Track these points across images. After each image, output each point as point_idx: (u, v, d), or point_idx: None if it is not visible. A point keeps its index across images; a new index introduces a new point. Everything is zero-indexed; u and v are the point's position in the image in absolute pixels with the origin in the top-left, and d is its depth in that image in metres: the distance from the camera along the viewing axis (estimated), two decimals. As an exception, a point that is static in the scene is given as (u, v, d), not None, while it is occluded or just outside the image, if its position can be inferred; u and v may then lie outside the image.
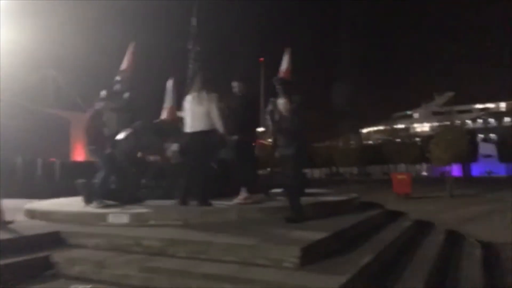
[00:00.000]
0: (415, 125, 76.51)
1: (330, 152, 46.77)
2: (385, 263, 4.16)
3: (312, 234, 3.98)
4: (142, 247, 4.11)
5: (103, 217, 5.13)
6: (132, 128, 6.55)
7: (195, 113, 5.69)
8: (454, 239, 6.66)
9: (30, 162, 21.99)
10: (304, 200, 6.29)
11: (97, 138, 6.15)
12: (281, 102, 5.43)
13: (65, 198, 7.30)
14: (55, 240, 4.51)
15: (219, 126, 5.63)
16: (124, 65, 8.35)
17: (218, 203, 5.74)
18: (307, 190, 8.06)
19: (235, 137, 5.87)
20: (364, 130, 73.25)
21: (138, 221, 5.00)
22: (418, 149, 32.23)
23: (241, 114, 5.87)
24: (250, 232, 4.19)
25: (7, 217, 5.86)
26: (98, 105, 6.35)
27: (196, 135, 5.63)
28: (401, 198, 17.63)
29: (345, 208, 6.20)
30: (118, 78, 7.73)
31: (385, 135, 37.59)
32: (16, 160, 21.40)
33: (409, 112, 79.93)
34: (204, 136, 5.56)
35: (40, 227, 5.00)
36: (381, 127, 46.08)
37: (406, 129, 70.98)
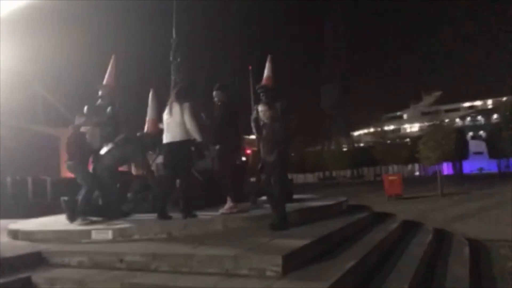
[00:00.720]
0: (405, 125, 77.24)
1: (322, 156, 46.88)
2: (371, 266, 4.15)
3: (294, 241, 3.96)
4: (125, 263, 4.05)
5: (86, 234, 5.05)
6: (114, 142, 6.50)
7: (168, 124, 5.69)
8: (442, 237, 6.68)
9: (20, 181, 21.75)
10: (290, 206, 6.29)
11: (76, 153, 6.11)
12: (261, 110, 5.42)
13: (52, 216, 7.19)
14: (37, 260, 4.43)
15: (195, 135, 5.61)
16: (106, 79, 8.32)
17: (204, 214, 5.70)
18: (294, 196, 8.08)
19: (216, 147, 5.85)
20: (356, 133, 73.66)
21: (121, 236, 4.94)
22: (408, 150, 32.46)
23: (221, 123, 5.85)
24: (233, 242, 4.16)
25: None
26: (78, 120, 6.31)
27: (170, 146, 5.63)
28: (393, 199, 17.69)
29: (332, 213, 6.20)
30: (100, 92, 7.68)
31: (375, 137, 37.77)
32: (5, 180, 21.17)
33: (398, 113, 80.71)
34: (177, 147, 5.55)
35: (22, 247, 4.91)
36: (371, 129, 46.32)
37: (396, 130, 71.62)
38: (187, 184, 5.67)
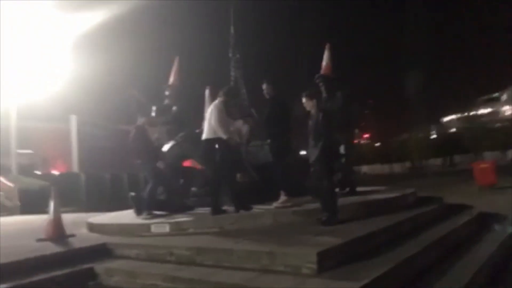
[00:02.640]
0: (504, 108, 69.53)
1: (409, 145, 44.19)
2: (425, 265, 3.84)
3: (337, 238, 3.81)
4: (174, 256, 4.25)
5: (147, 227, 5.38)
6: (175, 139, 6.81)
7: (206, 122, 5.85)
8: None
9: (117, 177, 23.81)
10: (349, 199, 6.09)
11: (142, 153, 6.47)
12: (303, 102, 5.25)
13: (125, 210, 7.79)
14: (102, 251, 4.83)
15: (220, 132, 5.69)
16: (170, 79, 8.73)
17: (259, 208, 5.75)
18: (361, 189, 7.76)
19: (268, 141, 5.83)
20: (447, 118, 68.20)
21: (178, 230, 5.18)
22: (506, 134, 29.14)
23: (270, 118, 5.80)
24: (277, 237, 4.13)
25: (73, 230, 6.45)
26: (140, 121, 6.68)
27: (204, 143, 5.78)
28: (485, 189, 16.09)
29: (395, 206, 5.83)
30: (166, 92, 8.08)
31: (466, 122, 34.49)
32: (104, 176, 23.42)
33: (495, 95, 72.88)
34: (209, 144, 5.65)
35: (92, 239, 5.40)
36: (464, 114, 42.41)
37: (494, 113, 64.84)
38: (229, 179, 5.75)
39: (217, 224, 5.07)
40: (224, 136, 5.69)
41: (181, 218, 5.50)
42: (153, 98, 8.43)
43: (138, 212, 6.32)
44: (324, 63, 8.12)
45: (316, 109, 5.05)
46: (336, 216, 4.75)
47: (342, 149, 7.61)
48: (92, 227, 6.23)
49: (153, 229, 5.31)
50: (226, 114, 5.80)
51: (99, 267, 4.33)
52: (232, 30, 8.70)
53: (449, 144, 40.35)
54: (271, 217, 5.11)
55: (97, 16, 16.74)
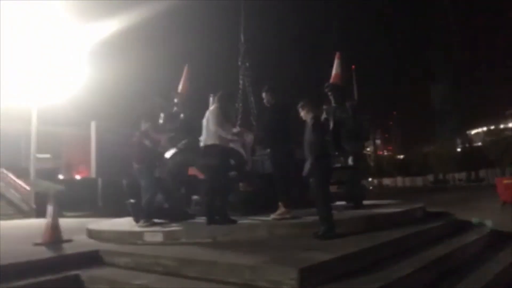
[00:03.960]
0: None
1: (432, 158, 43.18)
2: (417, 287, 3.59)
3: (326, 254, 3.61)
4: (161, 267, 4.12)
5: (141, 236, 5.29)
6: (177, 147, 6.74)
7: (204, 128, 5.78)
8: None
9: (134, 183, 24.04)
10: (353, 213, 5.86)
11: (144, 159, 6.42)
12: (301, 113, 5.05)
13: (127, 217, 7.75)
14: (92, 258, 4.74)
15: (222, 134, 5.61)
16: (180, 87, 8.72)
17: (256, 219, 5.59)
18: (369, 202, 7.50)
19: (267, 151, 5.68)
20: (473, 131, 66.46)
21: (170, 239, 5.07)
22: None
23: (270, 126, 5.66)
24: (265, 251, 3.95)
25: (74, 236, 6.43)
26: (144, 126, 6.64)
27: (204, 150, 5.66)
28: (509, 205, 15.39)
29: (400, 221, 5.57)
30: (175, 100, 8.06)
31: (492, 136, 33.40)
32: (121, 182, 23.66)
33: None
34: (208, 150, 5.52)
35: (87, 245, 5.34)
36: (491, 127, 41.16)
37: (523, 127, 62.69)
38: (220, 189, 5.60)
39: (210, 235, 4.94)
40: (227, 136, 5.59)
41: (175, 227, 5.40)
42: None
43: (137, 220, 6.25)
44: (334, 72, 7.96)
45: (310, 118, 4.85)
46: (332, 230, 4.53)
47: (350, 161, 7.40)
48: (90, 233, 6.19)
49: (146, 237, 5.21)
50: (224, 119, 5.68)
51: (85, 274, 4.24)
52: (242, 38, 8.63)
53: (474, 158, 39.16)
54: (266, 229, 4.94)
55: (115, 24, 17.08)
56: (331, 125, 7.66)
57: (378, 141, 74.02)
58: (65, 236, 6.16)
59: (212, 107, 5.78)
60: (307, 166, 4.61)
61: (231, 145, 6.85)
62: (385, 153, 69.08)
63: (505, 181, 16.41)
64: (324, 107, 7.83)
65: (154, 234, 5.21)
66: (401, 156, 62.49)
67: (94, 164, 28.23)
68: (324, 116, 7.80)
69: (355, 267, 3.64)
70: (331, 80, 7.78)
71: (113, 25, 16.89)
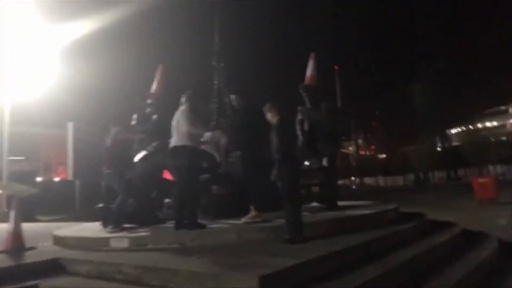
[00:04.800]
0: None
1: (413, 157, 43.74)
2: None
3: (291, 259, 3.52)
4: (122, 275, 3.98)
5: (106, 242, 5.12)
6: (147, 150, 6.58)
7: (172, 129, 5.61)
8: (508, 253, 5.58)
9: (112, 186, 23.60)
10: (325, 215, 5.81)
11: (115, 162, 6.23)
12: (268, 116, 4.94)
13: (95, 222, 7.54)
14: (54, 267, 4.56)
15: (196, 131, 5.48)
16: (153, 87, 8.53)
17: (225, 223, 5.49)
18: (344, 203, 7.46)
19: (238, 153, 5.57)
20: (453, 131, 67.60)
21: (136, 245, 4.91)
22: (508, 148, 28.60)
23: (241, 129, 5.55)
24: (230, 257, 3.85)
25: (40, 242, 6.21)
26: (114, 131, 6.46)
27: (172, 151, 5.51)
28: (484, 204, 15.66)
29: (371, 223, 5.52)
30: (148, 101, 7.87)
31: (469, 135, 34.06)
32: (99, 184, 23.20)
33: (503, 108, 71.91)
34: (178, 152, 5.39)
35: (50, 253, 5.14)
36: (467, 127, 41.95)
37: (501, 127, 64.05)
38: (189, 192, 5.44)
39: (178, 240, 4.80)
40: (200, 136, 5.43)
41: (142, 233, 5.24)
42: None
43: (105, 225, 6.07)
44: (308, 73, 7.90)
45: (276, 121, 4.75)
46: (301, 234, 4.45)
47: (325, 162, 7.35)
48: (55, 240, 5.98)
49: (112, 243, 5.04)
50: (196, 119, 5.54)
51: (44, 284, 4.06)
52: (216, 38, 8.51)
53: (454, 157, 39.83)
54: (235, 233, 4.83)
55: (91, 24, 16.72)
56: (306, 126, 7.62)
57: (360, 141, 74.58)
58: (30, 243, 5.94)
59: (182, 107, 5.63)
60: (275, 169, 4.52)
61: (204, 147, 6.74)
62: (367, 153, 69.73)
63: (480, 180, 16.67)
64: (299, 108, 7.76)
65: (120, 240, 5.05)
66: (383, 156, 63.15)
67: (71, 165, 27.65)
68: (299, 117, 7.74)
69: (321, 272, 3.58)
70: (306, 81, 7.71)
71: (89, 24, 16.54)
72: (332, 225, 5.14)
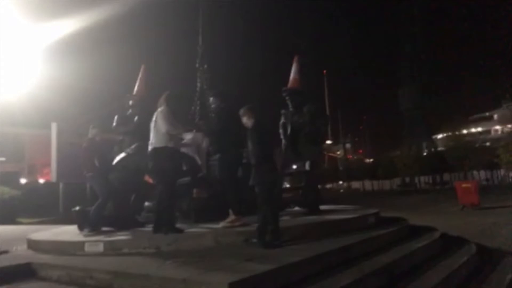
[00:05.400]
0: (496, 127, 69.65)
1: (399, 162, 44.12)
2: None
3: (265, 265, 3.47)
4: (94, 280, 3.87)
5: (81, 246, 5.00)
6: (126, 152, 6.48)
7: (151, 130, 5.53)
8: (489, 261, 5.60)
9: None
10: (304, 219, 5.78)
11: (94, 165, 6.12)
12: (244, 119, 4.87)
13: (72, 226, 7.40)
14: (25, 272, 4.42)
15: (178, 133, 5.43)
16: (136, 89, 8.41)
17: (204, 227, 5.41)
18: (328, 207, 7.45)
19: (217, 156, 5.51)
20: (439, 136, 68.32)
21: (111, 249, 4.81)
22: (490, 154, 28.98)
23: (219, 131, 5.49)
24: (204, 262, 3.77)
25: (15, 246, 6.06)
26: (92, 132, 6.36)
27: (151, 153, 5.42)
28: (468, 209, 15.80)
29: (351, 227, 5.50)
30: (131, 102, 7.76)
31: (452, 141, 34.47)
32: (83, 186, 22.87)
33: (488, 114, 73.09)
34: (158, 154, 5.30)
35: (22, 257, 4.99)
36: (456, 132, 42.40)
37: (485, 132, 65.05)
38: (168, 195, 5.34)
39: (153, 245, 4.71)
40: (179, 135, 5.35)
41: (117, 237, 5.14)
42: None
43: (81, 228, 5.95)
44: (292, 76, 7.88)
45: (251, 125, 4.70)
46: (278, 238, 4.41)
47: (307, 166, 7.32)
48: (30, 244, 5.82)
49: (87, 248, 4.93)
50: (174, 119, 5.45)
51: (12, 289, 3.95)
52: (200, 40, 8.44)
53: (438, 162, 40.26)
54: (212, 237, 4.76)
55: (75, 24, 16.53)
56: (289, 129, 7.59)
57: (348, 145, 74.94)
58: (4, 247, 5.81)
59: (160, 108, 5.55)
60: (252, 174, 4.48)
61: (185, 150, 6.66)
62: (355, 157, 70.11)
63: (464, 185, 16.81)
64: (282, 111, 7.74)
65: (95, 244, 4.93)
66: (370, 160, 63.52)
67: (55, 167, 27.25)
68: (282, 120, 7.72)
69: (296, 278, 3.53)
70: (289, 84, 7.69)
71: (72, 24, 16.35)
72: (311, 230, 5.10)
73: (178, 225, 5.42)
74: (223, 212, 5.68)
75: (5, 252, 5.45)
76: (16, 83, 15.73)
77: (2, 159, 27.12)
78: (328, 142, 70.26)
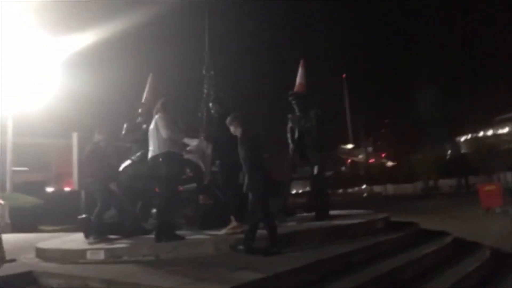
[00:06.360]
0: (525, 127, 67.02)
1: (422, 165, 43.14)
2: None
3: (257, 274, 3.38)
4: (90, 289, 3.87)
5: (83, 254, 5.03)
6: (131, 159, 6.51)
7: (149, 137, 5.50)
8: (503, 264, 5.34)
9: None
10: (309, 225, 5.67)
11: (96, 171, 6.16)
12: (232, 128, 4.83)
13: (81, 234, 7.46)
14: (27, 281, 4.47)
15: (179, 138, 5.38)
16: (144, 97, 8.48)
17: (208, 234, 5.37)
18: (337, 212, 7.28)
19: (218, 162, 5.46)
20: (462, 138, 66.49)
21: (112, 257, 4.82)
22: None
23: (219, 138, 5.44)
24: (197, 271, 3.72)
25: (24, 254, 6.14)
26: (97, 137, 6.40)
27: (152, 161, 5.38)
28: (491, 212, 15.23)
29: (357, 232, 5.35)
30: (139, 110, 7.82)
31: (475, 143, 33.41)
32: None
33: (512, 115, 70.41)
34: (158, 160, 5.27)
35: (27, 266, 5.05)
36: (480, 133, 41.09)
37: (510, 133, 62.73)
38: (168, 201, 5.31)
39: (153, 252, 4.68)
40: (181, 140, 5.33)
41: (118, 245, 5.14)
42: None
43: (87, 236, 5.98)
44: (298, 80, 7.79)
45: (240, 133, 4.65)
46: (276, 245, 4.31)
47: (315, 170, 7.19)
48: (37, 252, 5.90)
49: (89, 255, 4.95)
50: (173, 124, 5.44)
51: (12, 298, 3.99)
52: (206, 47, 8.46)
53: (462, 165, 39.12)
54: (212, 245, 4.70)
55: (94, 35, 16.91)
56: (296, 134, 7.50)
57: (370, 149, 73.88)
58: (14, 255, 5.86)
59: (157, 115, 5.54)
60: (245, 181, 4.42)
61: (189, 156, 6.65)
62: (377, 161, 69.00)
63: (487, 188, 16.23)
64: (289, 116, 7.66)
65: (96, 252, 4.95)
66: (391, 163, 62.36)
67: (76, 175, 27.75)
68: (289, 125, 7.64)
69: (291, 286, 3.43)
70: (295, 89, 7.60)
71: (91, 36, 16.72)
72: (314, 236, 4.99)
73: (179, 232, 5.39)
74: (228, 219, 5.62)
75: (13, 260, 5.50)
76: (38, 95, 16.17)
77: (25, 168, 27.83)
78: (350, 146, 69.44)
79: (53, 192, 28.97)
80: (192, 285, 3.18)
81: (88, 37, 17.10)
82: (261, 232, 4.52)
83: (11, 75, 14.85)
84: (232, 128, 4.73)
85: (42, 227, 17.94)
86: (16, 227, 15.44)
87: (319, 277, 3.72)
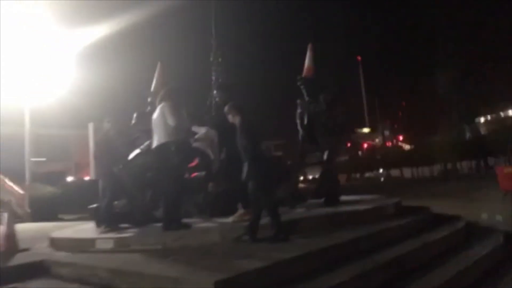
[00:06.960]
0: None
1: (440, 147, 42.29)
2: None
3: (257, 262, 3.36)
4: (97, 278, 3.92)
5: (93, 243, 5.09)
6: (140, 148, 6.53)
7: (154, 126, 5.46)
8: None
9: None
10: (316, 212, 5.63)
11: (106, 160, 6.20)
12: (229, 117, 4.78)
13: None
14: (38, 269, 4.55)
15: (175, 134, 5.30)
16: (153, 86, 8.47)
17: (217, 221, 5.38)
18: (343, 198, 7.20)
19: (224, 150, 5.43)
20: (481, 119, 64.86)
21: (121, 246, 4.86)
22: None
23: (223, 125, 5.39)
24: (199, 259, 3.73)
25: (38, 243, 6.25)
26: (107, 126, 6.43)
27: (157, 150, 5.35)
28: (510, 195, 14.88)
29: (364, 219, 5.27)
30: (149, 99, 7.83)
31: (494, 124, 32.48)
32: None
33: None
34: (164, 149, 5.25)
35: (39, 255, 5.14)
36: (493, 115, 39.88)
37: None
38: (173, 191, 5.29)
39: (160, 241, 4.71)
40: (187, 127, 5.32)
41: (127, 234, 5.19)
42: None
43: (98, 225, 6.07)
44: (306, 64, 7.67)
45: (238, 121, 4.58)
46: (281, 233, 4.28)
47: (325, 156, 7.11)
48: (51, 241, 6.00)
49: (98, 244, 5.01)
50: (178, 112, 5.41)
51: (22, 287, 4.06)
52: (213, 33, 8.37)
53: (481, 147, 38.22)
54: (219, 233, 4.70)
55: (106, 27, 16.97)
56: (306, 119, 7.40)
57: (387, 132, 72.90)
58: (29, 244, 5.98)
59: (161, 104, 5.52)
60: (244, 169, 4.37)
61: (197, 144, 6.63)
62: (394, 144, 68.06)
63: (506, 170, 15.81)
64: (298, 101, 7.56)
65: (105, 241, 5.01)
66: (408, 147, 61.37)
67: (93, 165, 28.34)
68: (299, 110, 7.54)
69: (295, 274, 3.40)
70: (304, 73, 7.49)
71: (104, 28, 16.78)
72: (321, 222, 4.94)
73: (188, 220, 5.41)
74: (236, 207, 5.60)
75: (26, 249, 5.62)
76: (53, 88, 16.40)
77: (43, 159, 28.41)
78: (366, 130, 68.62)
79: (72, 182, 29.58)
80: (193, 274, 3.18)
81: (102, 29, 17.19)
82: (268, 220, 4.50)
83: (27, 68, 15.07)
84: (230, 117, 4.69)
85: (62, 216, 18.35)
86: (36, 216, 15.79)
87: (325, 264, 3.68)
